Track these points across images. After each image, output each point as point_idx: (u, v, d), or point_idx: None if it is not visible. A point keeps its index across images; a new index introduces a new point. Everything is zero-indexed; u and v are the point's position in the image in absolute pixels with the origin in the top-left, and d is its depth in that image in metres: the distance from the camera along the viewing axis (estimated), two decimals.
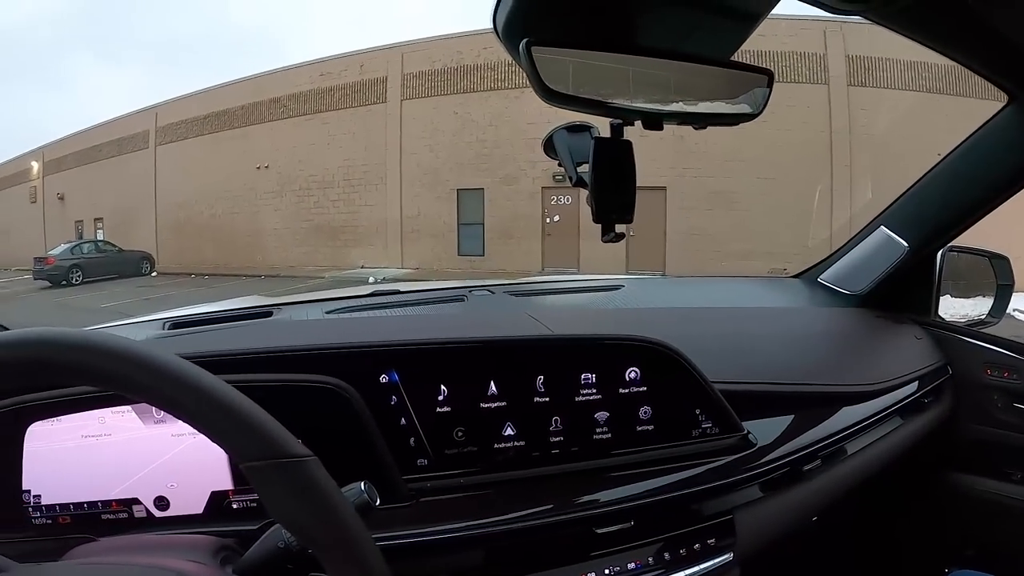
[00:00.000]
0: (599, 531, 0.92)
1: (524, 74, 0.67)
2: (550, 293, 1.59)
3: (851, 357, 1.37)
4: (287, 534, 0.64)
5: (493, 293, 1.49)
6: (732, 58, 0.77)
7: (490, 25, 0.69)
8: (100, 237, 21.85)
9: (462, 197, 16.64)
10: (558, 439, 0.98)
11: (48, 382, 0.54)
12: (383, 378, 0.95)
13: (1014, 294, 1.67)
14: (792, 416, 1.15)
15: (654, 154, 13.39)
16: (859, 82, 15.34)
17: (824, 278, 1.67)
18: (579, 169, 0.84)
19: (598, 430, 1.00)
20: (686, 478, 0.99)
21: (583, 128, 0.87)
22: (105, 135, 23.33)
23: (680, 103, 0.72)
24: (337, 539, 0.53)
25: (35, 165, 26.43)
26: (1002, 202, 1.42)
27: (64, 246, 19.69)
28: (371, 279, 14.54)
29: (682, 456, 1.02)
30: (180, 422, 0.88)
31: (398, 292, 1.54)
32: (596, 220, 0.80)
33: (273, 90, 19.20)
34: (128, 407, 0.91)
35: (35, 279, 17.88)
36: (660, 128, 0.73)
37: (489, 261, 15.73)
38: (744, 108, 0.75)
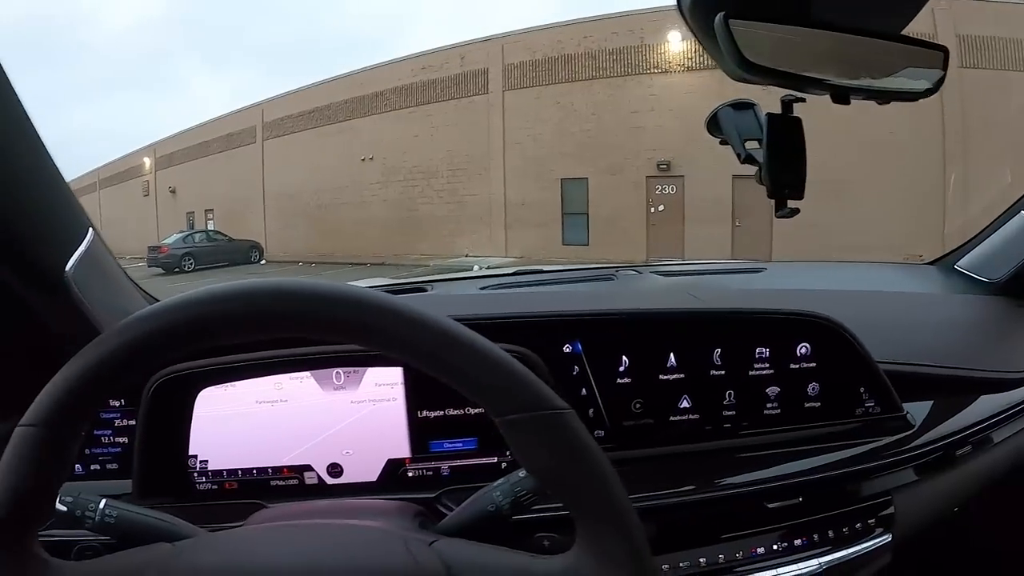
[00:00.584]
0: (770, 506, 0.91)
1: (704, 51, 0.69)
2: (695, 274, 1.56)
3: (991, 344, 1.31)
4: (499, 496, 0.61)
5: (640, 273, 1.47)
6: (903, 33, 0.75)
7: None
8: (211, 227, 22.92)
9: (566, 186, 16.57)
10: (730, 413, 0.99)
11: (308, 335, 0.52)
12: (567, 348, 0.96)
13: None
14: (932, 401, 1.11)
15: None
16: (971, 64, 14.44)
17: (961, 265, 1.58)
18: (747, 146, 0.84)
19: (768, 405, 1.00)
20: (849, 456, 0.97)
21: (747, 105, 0.87)
22: (214, 131, 24.49)
23: (866, 78, 0.71)
24: (595, 491, 0.51)
25: (147, 161, 27.98)
26: None
27: (177, 235, 20.75)
28: (475, 267, 14.60)
29: (845, 434, 1.01)
30: (360, 389, 0.92)
31: (542, 271, 1.53)
32: (771, 196, 0.79)
33: (375, 84, 19.66)
34: (307, 373, 0.91)
35: (149, 266, 18.81)
36: (847, 103, 0.72)
37: (593, 250, 15.59)
38: (923, 84, 0.74)
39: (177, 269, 18.36)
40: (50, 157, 0.80)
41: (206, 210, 24.56)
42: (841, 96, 0.71)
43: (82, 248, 0.87)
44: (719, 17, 0.64)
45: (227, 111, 24.63)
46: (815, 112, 0.75)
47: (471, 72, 18.06)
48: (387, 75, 19.51)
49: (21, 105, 0.72)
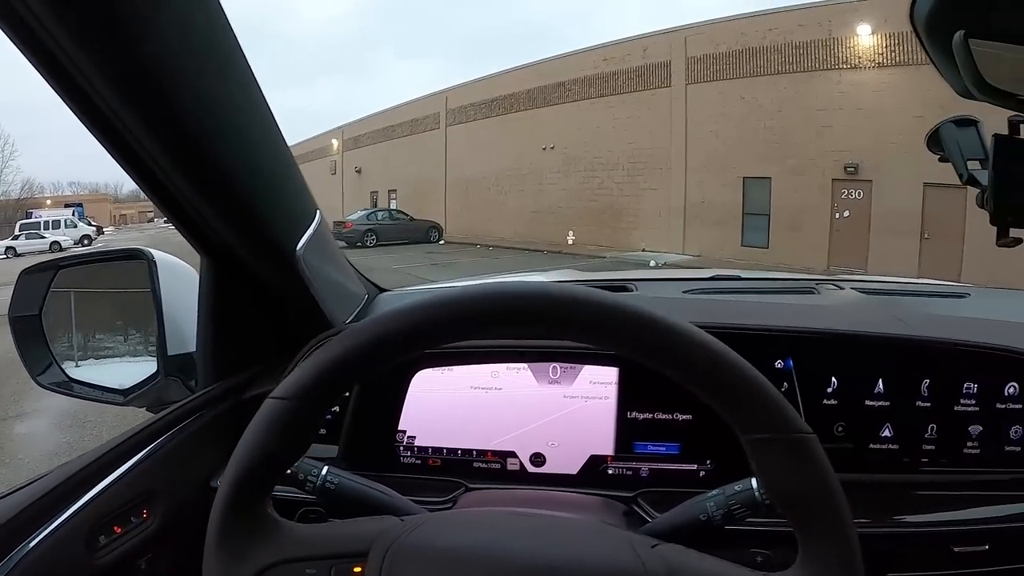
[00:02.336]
0: (956, 549, 0.85)
1: (935, 66, 0.67)
2: (897, 294, 1.49)
3: None
4: (713, 507, 0.64)
5: (841, 288, 1.40)
6: None
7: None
8: (393, 206, 24.51)
9: (748, 186, 16.12)
10: (930, 448, 0.94)
11: (571, 338, 0.55)
12: (778, 364, 0.95)
13: None
14: None
15: None
16: None
17: None
18: (969, 166, 0.80)
19: (969, 444, 0.94)
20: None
21: (970, 122, 0.83)
22: (399, 116, 26.09)
23: None
24: (828, 517, 0.52)
25: (335, 142, 30.30)
26: None
27: (361, 212, 22.41)
28: (652, 263, 14.70)
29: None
30: (574, 384, 0.95)
31: (740, 278, 1.51)
32: (993, 222, 0.74)
33: (558, 75, 20.07)
34: (524, 365, 0.95)
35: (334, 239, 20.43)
36: None
37: (773, 253, 15.15)
38: None
39: (359, 244, 19.76)
40: (287, 147, 0.88)
41: (389, 190, 26.27)
42: None
43: (311, 230, 0.95)
44: (958, 35, 0.61)
45: (413, 97, 26.11)
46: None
47: (653, 64, 17.96)
48: (570, 66, 19.86)
49: (266, 102, 0.79)
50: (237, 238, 0.87)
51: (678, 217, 17.16)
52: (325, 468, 0.68)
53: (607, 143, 18.58)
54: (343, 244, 19.67)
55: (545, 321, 0.54)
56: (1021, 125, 0.71)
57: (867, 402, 0.95)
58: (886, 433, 0.95)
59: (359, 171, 28.36)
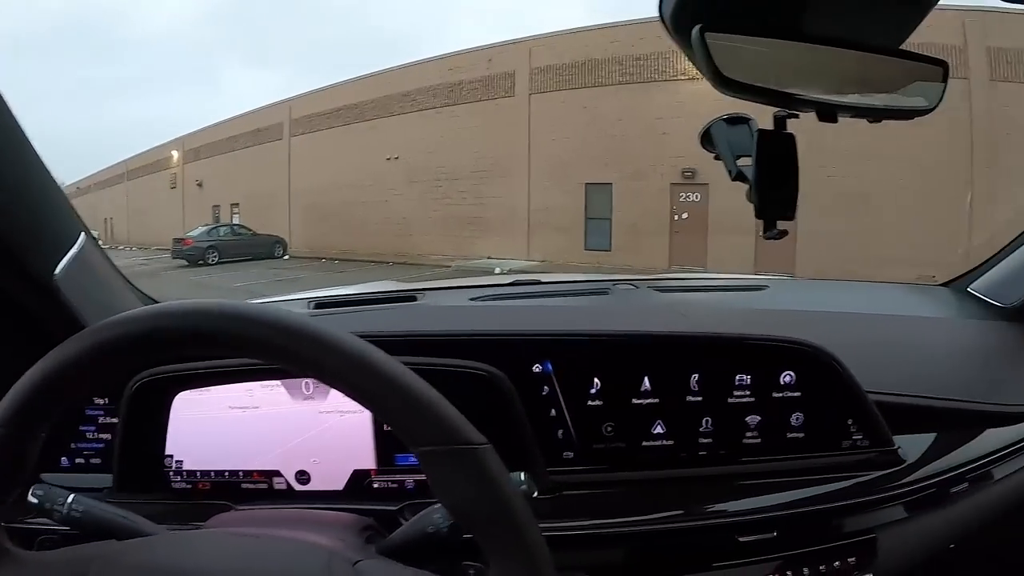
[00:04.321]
0: (742, 539, 0.88)
1: (690, 63, 0.64)
2: (693, 290, 1.53)
3: (999, 375, 1.25)
4: (439, 518, 0.63)
5: (637, 288, 1.42)
6: (903, 47, 0.71)
7: (652, 15, 0.65)
8: (236, 221, 23.21)
9: (590, 191, 16.53)
10: (707, 441, 0.96)
11: (222, 354, 0.54)
12: (536, 368, 0.95)
13: None
14: (935, 434, 1.07)
15: None
16: (1002, 77, 14.21)
17: (975, 288, 1.52)
18: (739, 162, 0.80)
19: (748, 434, 0.97)
20: (832, 491, 0.94)
21: (742, 120, 0.83)
22: (241, 127, 24.82)
23: (856, 95, 0.68)
24: (506, 529, 0.52)
25: (175, 154, 28.39)
26: None
27: (202, 228, 21.06)
28: (496, 270, 14.64)
29: (829, 467, 0.97)
30: (328, 399, 0.93)
31: (539, 282, 1.50)
32: (759, 216, 0.76)
33: (403, 84, 19.74)
34: (278, 382, 0.94)
35: (173, 258, 19.18)
36: (834, 120, 0.69)
37: (615, 256, 15.53)
38: (920, 102, 0.70)
39: (201, 262, 18.63)
40: (42, 165, 0.83)
41: (232, 204, 24.87)
42: (827, 114, 0.68)
43: (72, 252, 0.91)
44: (695, 30, 0.61)
45: (256, 107, 24.90)
46: (841, 127, 0.71)
47: (498, 75, 18.09)
48: (414, 75, 19.60)
49: (12, 116, 0.75)
50: None
51: (522, 224, 17.34)
52: (71, 496, 0.67)
53: (451, 153, 18.46)
54: (183, 263, 18.59)
55: (222, 342, 0.54)
56: (787, 120, 0.73)
57: (634, 400, 0.95)
58: (658, 430, 0.96)
59: (200, 185, 26.55)
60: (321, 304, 1.22)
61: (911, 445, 1.03)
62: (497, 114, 17.90)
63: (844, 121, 0.71)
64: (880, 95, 0.69)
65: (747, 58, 0.63)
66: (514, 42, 18.14)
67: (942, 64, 0.71)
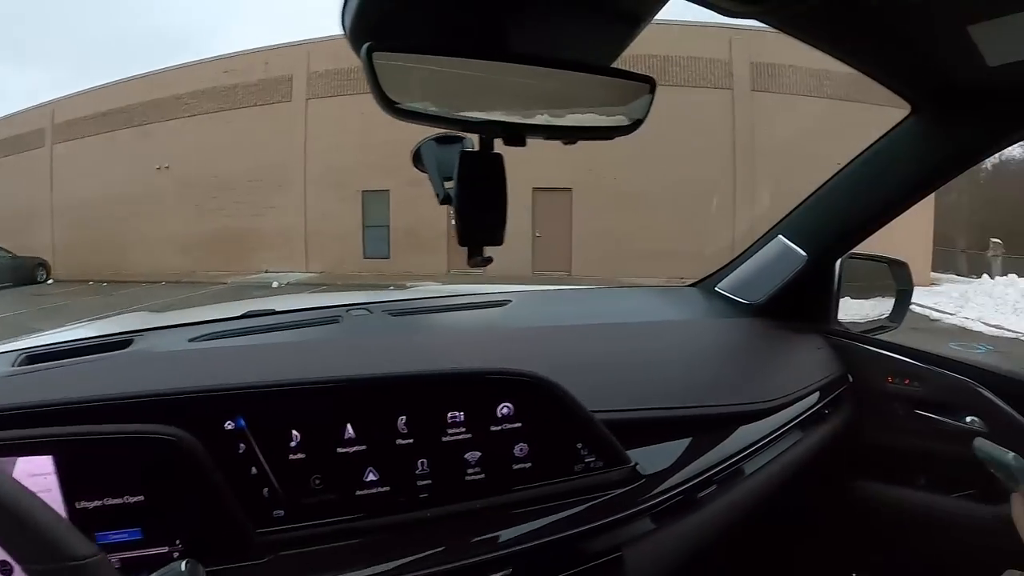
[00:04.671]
0: None
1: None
2: (431, 311, 1.47)
3: (749, 372, 1.34)
4: None
5: (371, 312, 1.37)
6: (615, 65, 0.71)
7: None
8: None
9: (367, 199, 16.55)
10: (426, 483, 0.91)
11: None
12: (228, 425, 0.87)
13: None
14: (689, 439, 1.10)
15: (559, 155, 13.57)
16: (763, 88, 15.94)
17: (722, 287, 1.63)
18: (447, 185, 0.78)
19: (470, 471, 0.92)
20: (569, 517, 0.92)
21: (455, 140, 0.81)
22: None
23: (545, 115, 0.66)
24: None
25: None
26: (901, 212, 1.43)
27: None
28: (275, 283, 14.38)
29: (564, 493, 0.95)
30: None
31: (273, 312, 1.43)
32: (461, 243, 0.73)
33: (175, 87, 18.57)
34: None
35: None
36: (522, 144, 0.67)
37: (395, 264, 15.75)
38: (621, 120, 0.69)
39: None
40: None
41: None
42: (515, 137, 0.66)
43: None
44: (364, 49, 0.56)
45: (12, 111, 22.21)
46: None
47: (275, 78, 17.57)
48: (187, 77, 18.49)
49: None
50: None
51: (300, 234, 17.07)
52: None
53: (225, 161, 17.69)
54: None
55: None
56: (495, 140, 0.68)
57: (339, 450, 0.89)
58: (371, 477, 0.89)
59: None
60: (32, 358, 1.10)
61: (660, 455, 1.04)
62: (274, 120, 17.41)
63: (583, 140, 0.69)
64: (577, 115, 0.67)
65: (418, 80, 0.60)
66: (292, 45, 17.64)
67: (649, 80, 0.70)
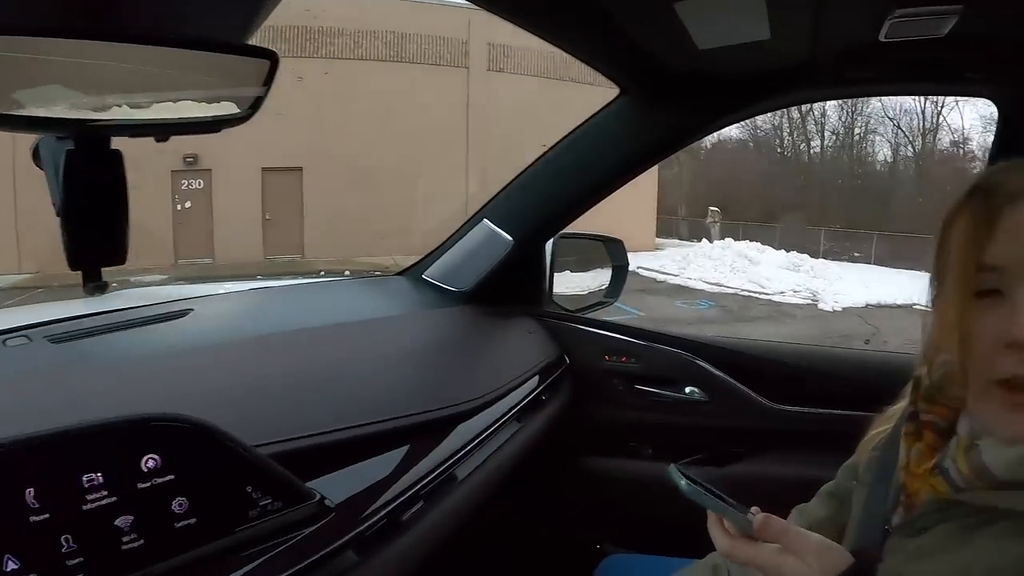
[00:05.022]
0: None
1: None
2: (98, 332, 1.20)
3: (461, 366, 1.27)
4: None
5: (31, 341, 1.07)
6: (252, 42, 0.62)
7: None
8: None
9: None
10: (76, 561, 0.68)
11: None
12: None
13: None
14: (407, 447, 1.00)
15: (287, 133, 13.46)
16: (498, 68, 16.42)
17: (429, 275, 1.55)
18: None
19: (125, 540, 0.72)
20: (257, 568, 0.77)
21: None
22: None
23: (123, 108, 0.54)
24: None
25: None
26: (610, 193, 1.42)
27: None
28: None
29: (244, 544, 0.77)
30: None
31: None
32: (72, 266, 0.62)
33: None
34: None
35: None
36: (106, 148, 0.59)
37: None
38: (230, 107, 0.58)
39: None
40: None
41: None
42: (86, 141, 0.57)
43: None
44: None
45: None
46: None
47: None
48: None
49: None
50: None
51: (9, 228, 15.50)
52: None
53: None
54: None
55: None
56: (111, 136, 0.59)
57: None
58: (11, 566, 0.67)
59: None
60: None
61: (353, 479, 0.91)
62: None
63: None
64: (168, 104, 0.57)
65: None
66: None
67: (270, 55, 0.59)
